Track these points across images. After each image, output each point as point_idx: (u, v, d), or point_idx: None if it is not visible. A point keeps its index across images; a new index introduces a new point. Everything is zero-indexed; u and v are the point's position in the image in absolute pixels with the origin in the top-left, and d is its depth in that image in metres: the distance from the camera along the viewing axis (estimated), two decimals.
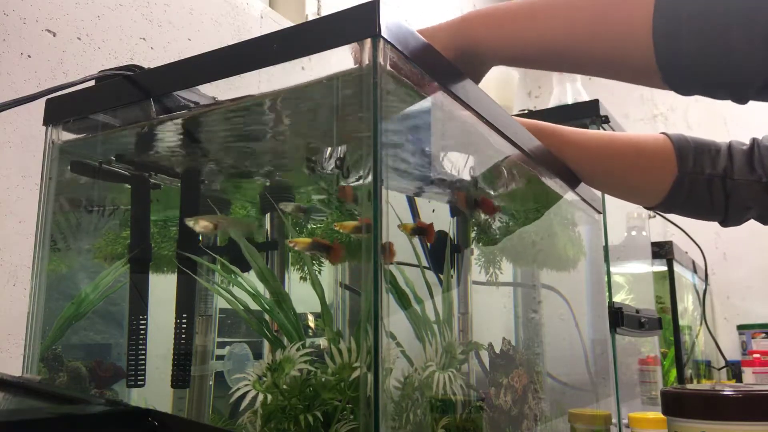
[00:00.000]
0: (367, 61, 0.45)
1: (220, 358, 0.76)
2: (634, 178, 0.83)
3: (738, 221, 0.81)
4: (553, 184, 0.83)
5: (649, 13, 0.55)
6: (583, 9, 0.59)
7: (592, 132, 0.86)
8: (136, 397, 0.64)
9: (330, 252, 0.59)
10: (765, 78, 0.54)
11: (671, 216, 1.90)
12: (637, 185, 0.83)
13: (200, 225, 0.62)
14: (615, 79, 0.64)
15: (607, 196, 1.04)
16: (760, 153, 0.78)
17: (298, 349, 0.49)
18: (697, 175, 0.79)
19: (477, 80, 0.68)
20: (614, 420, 0.87)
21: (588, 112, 1.19)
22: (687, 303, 1.85)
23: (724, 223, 0.82)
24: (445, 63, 0.56)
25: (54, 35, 0.94)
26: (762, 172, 0.77)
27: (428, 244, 0.65)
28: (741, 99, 0.58)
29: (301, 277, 0.69)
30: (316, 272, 0.69)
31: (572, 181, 0.85)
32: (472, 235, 0.80)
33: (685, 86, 0.59)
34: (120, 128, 0.62)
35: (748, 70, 0.54)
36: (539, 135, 0.77)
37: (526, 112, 1.39)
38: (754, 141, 0.80)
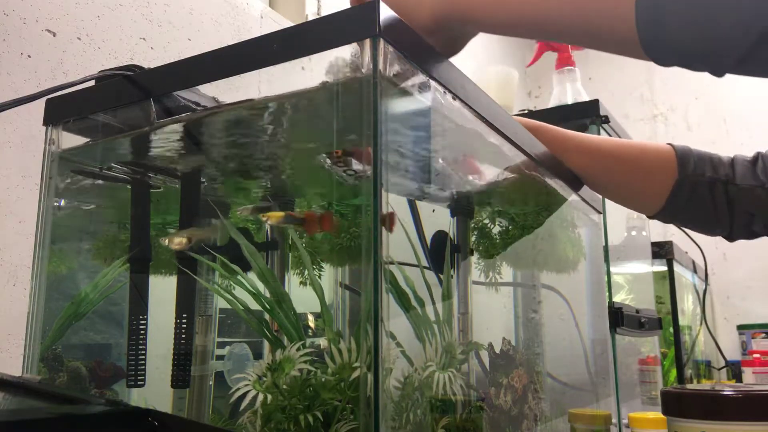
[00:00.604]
0: (366, 63, 0.45)
1: (220, 358, 0.76)
2: (636, 182, 0.82)
3: (745, 232, 0.80)
4: (554, 185, 0.83)
5: None
6: None
7: (594, 136, 0.86)
8: (136, 397, 0.64)
9: (304, 224, 0.58)
10: (745, 50, 0.55)
11: None
12: (638, 189, 0.83)
13: (175, 242, 0.62)
14: (597, 50, 0.66)
15: None
16: (764, 164, 0.78)
17: (298, 349, 0.49)
18: (697, 178, 0.78)
19: (458, 49, 0.69)
20: (614, 420, 0.87)
21: (588, 112, 1.19)
22: (687, 303, 1.85)
23: (731, 236, 0.81)
24: (445, 63, 0.56)
25: (54, 35, 0.94)
26: (766, 179, 0.76)
27: (428, 244, 0.65)
28: (719, 71, 0.59)
29: (300, 282, 0.69)
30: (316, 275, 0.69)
31: (574, 183, 0.85)
32: (472, 238, 0.80)
33: (665, 57, 0.60)
34: (120, 129, 0.62)
35: (729, 42, 0.55)
36: (540, 136, 0.77)
37: (526, 112, 1.39)
38: (758, 154, 0.80)
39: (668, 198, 0.79)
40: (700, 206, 0.79)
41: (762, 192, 0.77)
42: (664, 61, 0.61)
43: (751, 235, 0.80)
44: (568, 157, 0.81)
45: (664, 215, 0.83)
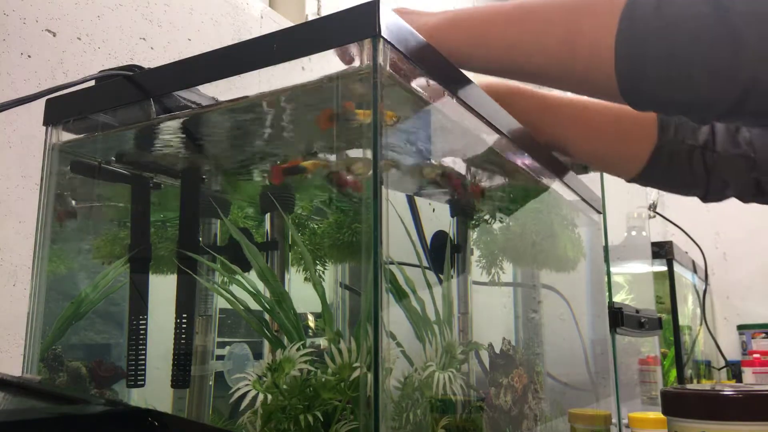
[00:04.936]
0: (363, 62, 0.45)
1: (220, 358, 0.76)
2: (614, 145, 0.81)
3: (719, 197, 0.80)
4: (553, 183, 0.83)
5: (611, 44, 0.55)
6: (555, 26, 0.59)
7: (572, 95, 0.85)
8: (136, 397, 0.64)
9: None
10: (728, 105, 0.55)
11: (671, 216, 1.90)
12: (616, 153, 0.81)
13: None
14: (577, 93, 0.66)
15: (607, 196, 1.04)
16: (749, 131, 0.76)
17: (298, 349, 0.49)
18: (677, 145, 0.77)
19: None
20: (614, 420, 0.87)
21: None
22: (687, 303, 1.85)
23: (705, 198, 0.81)
24: (445, 63, 0.56)
25: (54, 35, 0.94)
26: (748, 148, 0.75)
27: (428, 244, 0.65)
28: (702, 122, 0.59)
29: (305, 278, 0.69)
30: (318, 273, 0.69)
31: (571, 180, 0.85)
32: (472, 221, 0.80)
33: (644, 105, 0.61)
34: (120, 128, 0.62)
35: (710, 98, 0.55)
36: (516, 98, 0.76)
37: None
38: None
39: (647, 163, 0.79)
40: (678, 171, 0.79)
41: (741, 161, 0.76)
42: (643, 108, 0.61)
43: (724, 198, 0.80)
44: (544, 116, 0.79)
45: (641, 179, 0.82)
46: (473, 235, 0.79)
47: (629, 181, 0.83)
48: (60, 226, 0.66)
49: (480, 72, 0.66)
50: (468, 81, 0.58)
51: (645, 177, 0.81)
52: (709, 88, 0.54)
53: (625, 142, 0.80)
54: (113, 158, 0.67)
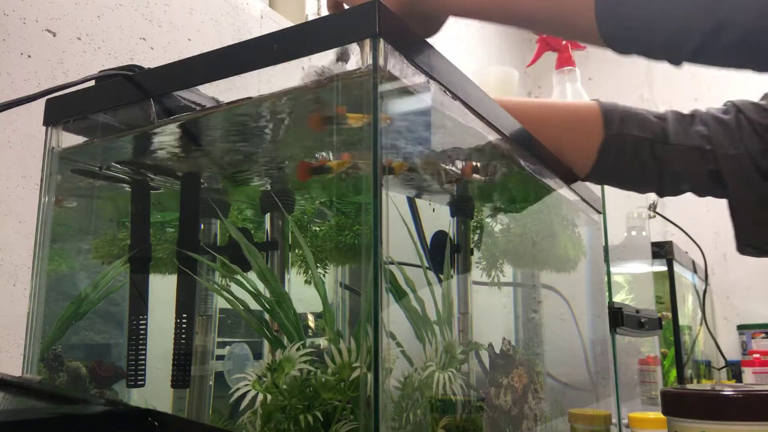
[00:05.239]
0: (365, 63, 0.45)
1: (220, 358, 0.76)
2: (564, 144, 0.80)
3: (674, 191, 0.79)
4: (553, 183, 0.83)
5: None
6: None
7: (526, 99, 0.85)
8: (136, 397, 0.64)
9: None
10: (702, 37, 0.57)
11: (671, 216, 1.90)
12: (567, 151, 0.81)
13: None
14: (561, 37, 0.68)
15: (607, 196, 1.04)
16: (704, 125, 0.76)
17: (298, 349, 0.49)
18: (623, 137, 0.77)
19: (432, 32, 0.70)
20: (614, 420, 0.87)
21: None
22: (687, 303, 1.85)
23: (661, 194, 0.80)
24: (445, 63, 0.56)
25: (54, 35, 0.94)
26: (702, 141, 0.75)
27: (428, 244, 0.65)
28: (677, 59, 0.61)
29: (306, 281, 0.69)
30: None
31: (571, 179, 0.85)
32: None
33: (623, 46, 0.62)
34: (120, 129, 0.62)
35: (686, 30, 0.57)
36: None
37: None
38: (694, 112, 0.79)
39: (596, 158, 0.78)
40: (627, 166, 0.78)
41: (696, 153, 0.75)
42: (623, 49, 0.63)
43: (680, 193, 0.80)
44: None
45: (595, 176, 0.82)
46: (474, 236, 0.79)
47: (583, 179, 0.83)
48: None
49: (462, 16, 0.68)
50: (468, 80, 0.58)
51: (596, 173, 0.81)
52: (686, 16, 0.56)
53: (574, 139, 0.80)
54: (113, 159, 0.67)
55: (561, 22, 0.63)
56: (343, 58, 0.47)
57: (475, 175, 0.75)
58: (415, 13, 0.65)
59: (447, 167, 0.69)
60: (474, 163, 0.73)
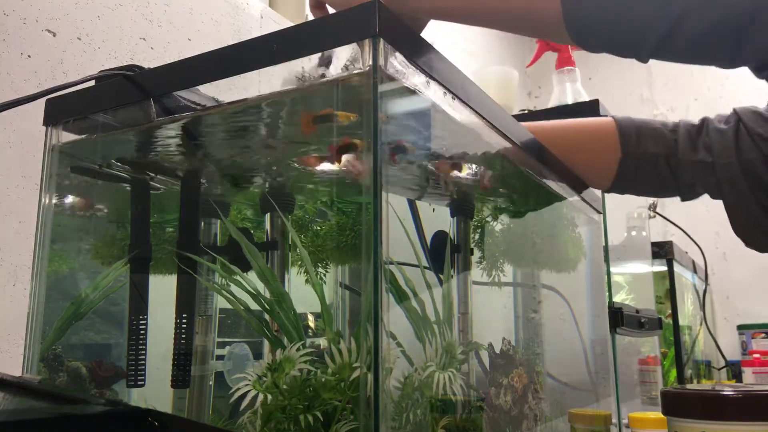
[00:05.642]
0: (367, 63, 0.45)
1: (220, 358, 0.76)
2: (581, 162, 0.83)
3: (692, 196, 0.82)
4: (556, 187, 0.83)
5: None
6: None
7: (537, 123, 0.87)
8: (136, 397, 0.64)
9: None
10: (666, 29, 0.58)
11: (671, 216, 1.90)
12: (585, 169, 0.84)
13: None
14: (528, 36, 0.69)
15: (607, 196, 1.04)
16: (708, 135, 0.78)
17: (298, 349, 0.49)
18: (641, 155, 0.80)
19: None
20: (614, 420, 0.87)
21: (588, 113, 1.19)
22: (687, 303, 1.85)
23: (682, 199, 0.83)
24: (445, 63, 0.56)
25: (54, 35, 0.94)
26: (706, 153, 0.77)
27: (428, 244, 0.65)
28: (642, 54, 0.62)
29: (306, 281, 0.69)
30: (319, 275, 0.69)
31: (575, 183, 0.85)
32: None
33: (591, 43, 0.63)
34: (120, 129, 0.62)
35: (649, 22, 0.58)
36: None
37: (526, 112, 1.39)
38: (703, 122, 0.80)
39: (615, 176, 0.82)
40: (646, 179, 0.82)
41: (699, 167, 0.78)
42: (591, 47, 0.64)
43: (698, 196, 0.82)
44: None
45: (616, 189, 0.85)
46: (474, 236, 0.79)
47: (606, 191, 0.87)
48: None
49: (434, 17, 0.69)
50: (468, 80, 0.58)
51: (619, 187, 0.84)
52: (649, 7, 0.58)
53: (591, 158, 0.83)
54: (113, 159, 0.67)
55: (528, 18, 0.64)
56: (324, 63, 0.47)
57: (482, 180, 0.75)
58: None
59: (448, 171, 0.69)
60: (477, 167, 0.73)
